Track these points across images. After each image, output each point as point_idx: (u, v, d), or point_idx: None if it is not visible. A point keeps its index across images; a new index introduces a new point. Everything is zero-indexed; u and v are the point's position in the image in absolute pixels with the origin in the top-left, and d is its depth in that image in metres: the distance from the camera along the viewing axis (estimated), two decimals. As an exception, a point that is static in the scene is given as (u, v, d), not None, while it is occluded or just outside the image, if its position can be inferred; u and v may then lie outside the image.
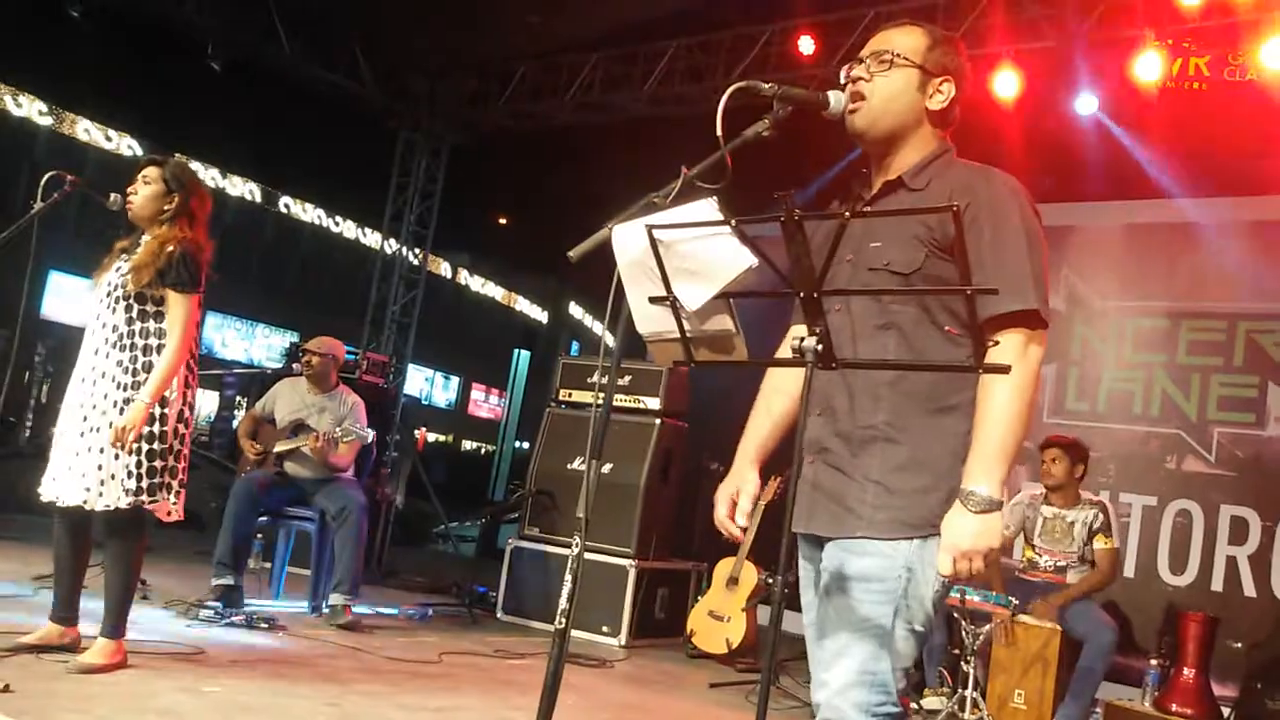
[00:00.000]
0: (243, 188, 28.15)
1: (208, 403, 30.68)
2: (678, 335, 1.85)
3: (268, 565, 6.33)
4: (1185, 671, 5.08)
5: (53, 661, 3.78)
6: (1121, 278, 6.97)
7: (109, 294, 3.87)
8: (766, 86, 2.21)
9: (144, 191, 3.95)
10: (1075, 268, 7.18)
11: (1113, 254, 7.04)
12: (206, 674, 4.02)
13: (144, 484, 3.77)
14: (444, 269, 31.72)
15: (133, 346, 3.83)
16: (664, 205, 2.15)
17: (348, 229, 30.53)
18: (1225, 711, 5.78)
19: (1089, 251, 7.15)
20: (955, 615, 5.13)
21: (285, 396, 5.95)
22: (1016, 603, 5.19)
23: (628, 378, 6.37)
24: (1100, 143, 6.96)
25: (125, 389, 3.79)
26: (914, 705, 5.43)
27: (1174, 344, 6.75)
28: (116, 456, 3.74)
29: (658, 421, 6.33)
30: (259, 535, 6.27)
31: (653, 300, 1.84)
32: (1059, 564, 5.51)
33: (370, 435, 5.72)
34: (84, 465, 3.75)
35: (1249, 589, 6.27)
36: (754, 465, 2.30)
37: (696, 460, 6.93)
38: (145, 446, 3.77)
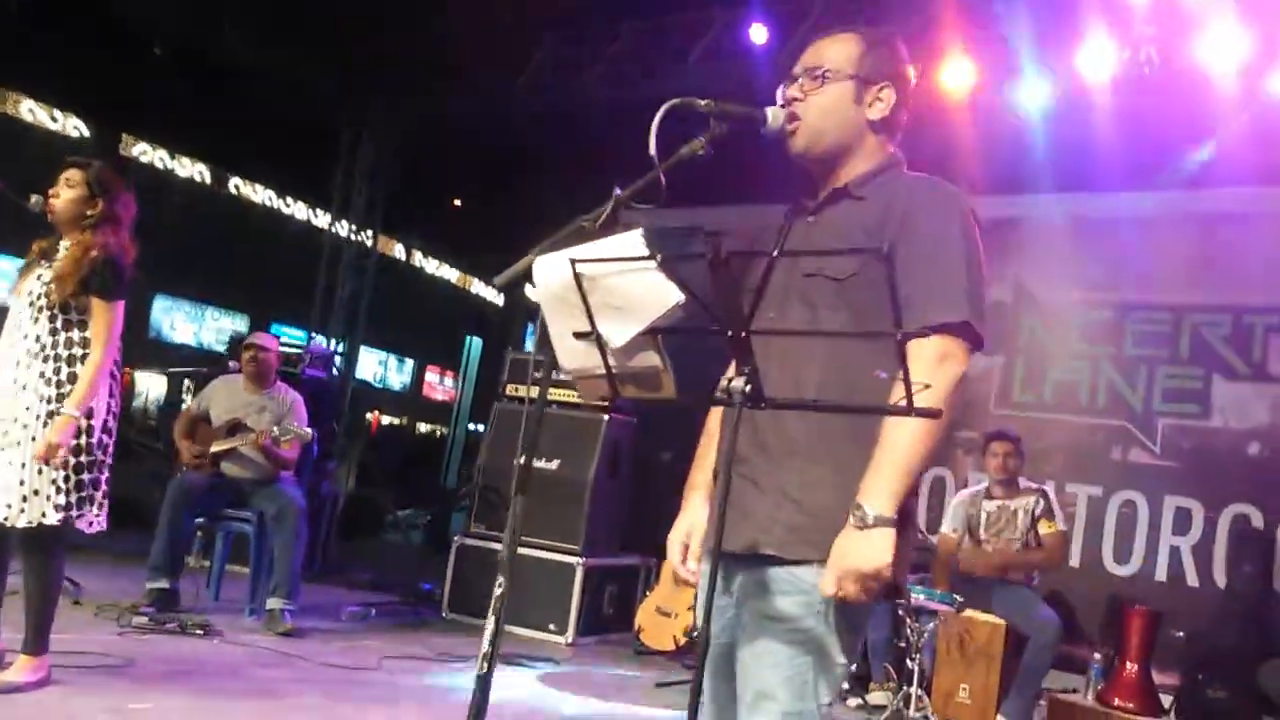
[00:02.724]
0: (191, 169, 27.69)
1: (155, 387, 30.33)
2: (603, 371, 1.77)
3: (207, 564, 6.21)
4: (1128, 665, 5.12)
5: (-29, 680, 3.66)
6: (1068, 270, 6.95)
7: (31, 303, 3.74)
8: (702, 103, 2.13)
9: (66, 195, 3.81)
10: (1022, 260, 7.16)
11: (1060, 246, 7.02)
12: (135, 690, 3.92)
13: (72, 498, 3.66)
14: (397, 251, 31.43)
15: (55, 358, 3.70)
16: (594, 231, 2.08)
17: (299, 210, 30.16)
18: (1166, 702, 5.85)
19: (1036, 244, 7.14)
20: (900, 612, 5.12)
21: (221, 395, 5.82)
22: (961, 600, 5.19)
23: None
24: (1047, 135, 6.94)
25: (49, 401, 3.66)
26: (860, 700, 5.43)
27: (1120, 336, 6.76)
28: (40, 471, 3.61)
29: (605, 417, 6.26)
30: (199, 534, 6.15)
31: (577, 335, 1.76)
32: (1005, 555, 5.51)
33: (310, 434, 5.60)
34: (5, 480, 3.61)
35: (1191, 579, 6.31)
36: (704, 501, 2.19)
37: (646, 454, 6.86)
38: (72, 460, 3.65)
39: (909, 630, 5.01)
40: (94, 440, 3.72)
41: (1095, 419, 6.79)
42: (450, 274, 33.22)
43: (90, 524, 3.76)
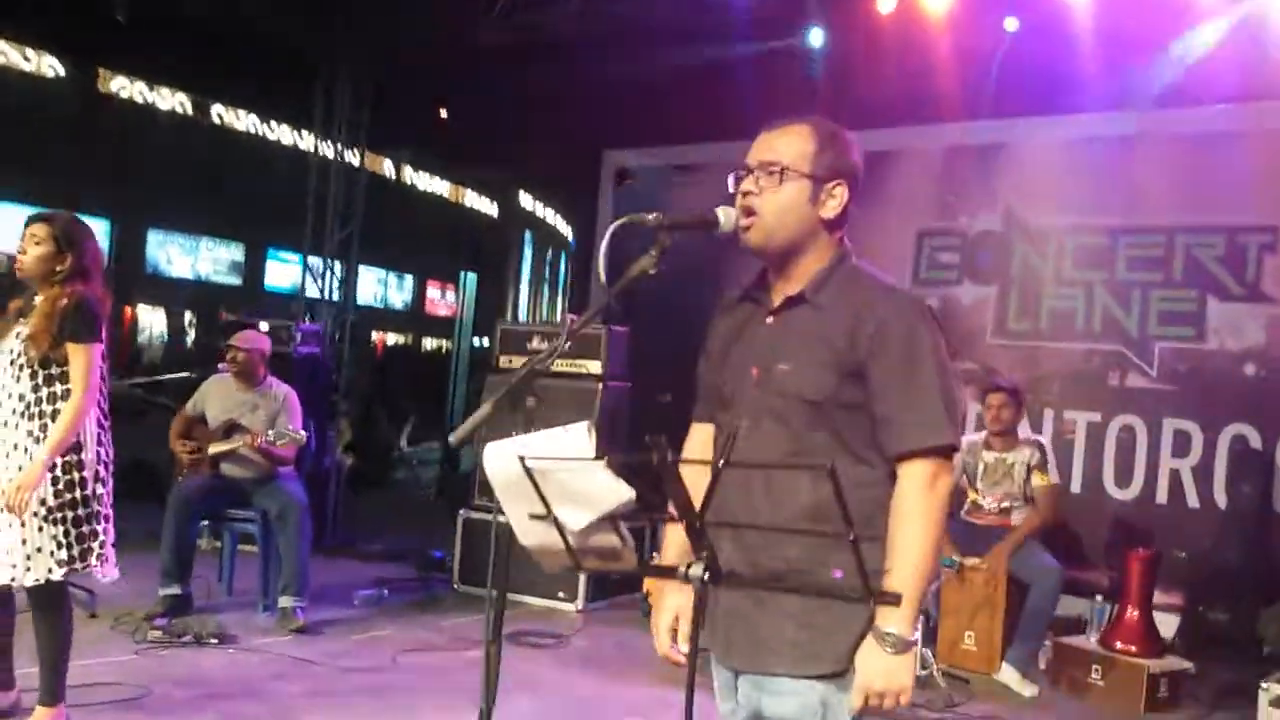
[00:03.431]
0: (172, 100, 27.19)
1: (157, 323, 30.34)
2: (562, 548, 1.76)
3: (219, 544, 6.28)
4: (1129, 610, 5.19)
5: (-6, 733, 3.76)
6: (1058, 195, 6.86)
7: (12, 362, 3.71)
8: (650, 218, 2.12)
9: (34, 251, 3.74)
10: (1011, 187, 7.07)
11: (1048, 171, 6.92)
12: (153, 726, 4.00)
13: (74, 551, 3.68)
14: (386, 168, 31.08)
15: (40, 414, 3.69)
16: (549, 364, 2.07)
17: (284, 135, 29.73)
18: (1171, 623, 5.97)
19: (1024, 169, 7.03)
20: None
21: (215, 395, 5.81)
22: (959, 560, 5.27)
23: (567, 344, 6.26)
24: (1033, 57, 6.76)
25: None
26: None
27: (1113, 260, 6.70)
28: (40, 529, 3.64)
29: (600, 385, 6.26)
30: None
31: (533, 517, 1.75)
32: (1003, 505, 5.57)
33: (303, 436, 5.61)
34: (7, 541, 3.63)
35: (1192, 500, 6.37)
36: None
37: (643, 408, 6.87)
38: (70, 514, 3.66)
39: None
40: (89, 492, 3.72)
41: (1091, 345, 6.78)
42: (442, 187, 32.88)
43: (102, 575, 3.80)
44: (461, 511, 6.52)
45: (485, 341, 28.61)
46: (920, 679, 5.02)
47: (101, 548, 3.76)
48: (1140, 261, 6.61)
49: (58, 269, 3.76)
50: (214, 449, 5.64)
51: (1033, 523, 5.44)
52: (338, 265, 10.08)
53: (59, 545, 3.64)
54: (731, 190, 2.16)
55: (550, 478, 1.68)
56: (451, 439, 1.94)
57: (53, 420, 3.68)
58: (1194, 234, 6.42)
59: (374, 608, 6.06)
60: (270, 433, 5.50)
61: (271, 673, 4.79)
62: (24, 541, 3.62)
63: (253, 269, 31.21)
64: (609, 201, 8.97)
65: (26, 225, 3.80)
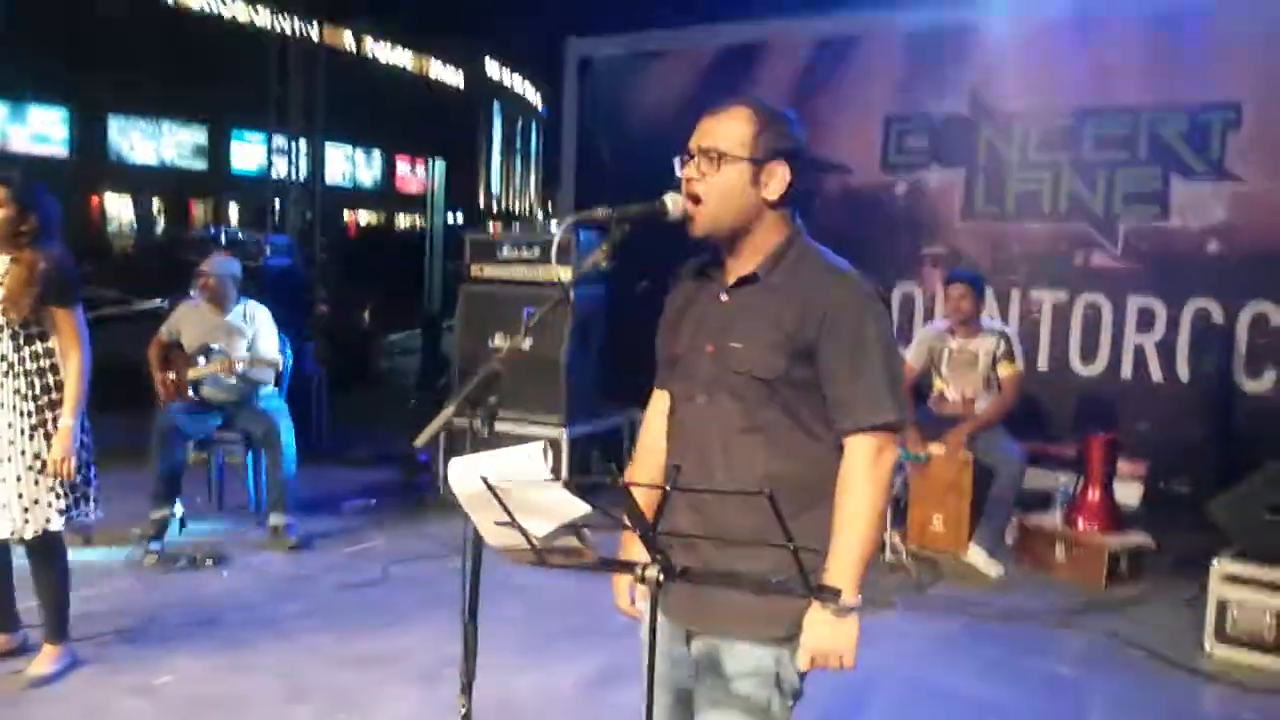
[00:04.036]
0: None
1: (124, 211, 29.91)
2: (527, 547, 1.87)
3: (205, 455, 6.37)
4: (1090, 491, 5.40)
5: (4, 674, 3.92)
6: (1023, 78, 6.83)
7: None
8: (600, 212, 2.16)
9: None
10: (975, 69, 7.01)
11: (1014, 53, 6.86)
12: (156, 656, 4.17)
13: (69, 500, 3.83)
14: (347, 41, 30.29)
15: (26, 373, 3.78)
16: (507, 362, 2.13)
17: (239, 11, 28.87)
18: (1135, 492, 6.20)
19: (988, 52, 6.96)
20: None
21: (189, 320, 5.84)
22: (926, 454, 5.45)
23: (536, 249, 6.32)
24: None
25: (29, 415, 3.78)
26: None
27: (1079, 141, 6.71)
28: (37, 482, 3.76)
29: (572, 293, 6.30)
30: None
31: (498, 524, 1.85)
32: (967, 395, 5.72)
33: (279, 360, 5.67)
34: (3, 496, 3.74)
35: (1156, 374, 6.53)
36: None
37: (616, 320, 6.92)
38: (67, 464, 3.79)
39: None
40: (79, 443, 3.83)
41: (1057, 225, 6.84)
42: (404, 58, 32.14)
43: (88, 515, 3.94)
44: (490, 399, 6.62)
45: (460, 218, 28.35)
46: (890, 564, 5.28)
47: (85, 495, 3.89)
48: (1105, 141, 6.62)
49: (22, 229, 3.78)
50: (192, 374, 5.70)
51: (995, 407, 5.61)
52: (303, 143, 10.04)
53: (57, 496, 3.79)
54: (678, 174, 2.20)
55: (511, 494, 1.77)
56: (416, 443, 2.03)
57: (38, 377, 3.78)
58: (1158, 111, 6.43)
59: (363, 517, 6.23)
60: (243, 362, 5.55)
61: (268, 592, 4.98)
62: (20, 495, 3.74)
63: (217, 152, 30.68)
64: (574, 93, 8.85)
65: None
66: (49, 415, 3.77)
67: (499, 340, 6.47)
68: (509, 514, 1.80)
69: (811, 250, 2.21)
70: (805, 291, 2.13)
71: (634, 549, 2.24)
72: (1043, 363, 6.87)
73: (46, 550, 3.89)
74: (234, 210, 28.65)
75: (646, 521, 1.79)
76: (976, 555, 5.50)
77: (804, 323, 2.11)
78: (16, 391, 3.76)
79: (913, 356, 5.87)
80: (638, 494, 1.87)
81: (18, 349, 3.76)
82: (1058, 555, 5.43)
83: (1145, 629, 4.72)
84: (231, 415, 5.79)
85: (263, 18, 26.43)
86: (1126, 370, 6.64)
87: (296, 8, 10.28)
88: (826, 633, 2.06)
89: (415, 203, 31.60)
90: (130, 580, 5.03)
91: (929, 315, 7.10)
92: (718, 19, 8.33)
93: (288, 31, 10.51)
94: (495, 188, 30.48)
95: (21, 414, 3.75)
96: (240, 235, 7.78)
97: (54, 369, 3.82)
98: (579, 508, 1.77)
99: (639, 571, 1.83)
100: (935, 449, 5.60)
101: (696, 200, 2.14)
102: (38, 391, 3.78)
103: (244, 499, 6.02)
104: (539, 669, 4.13)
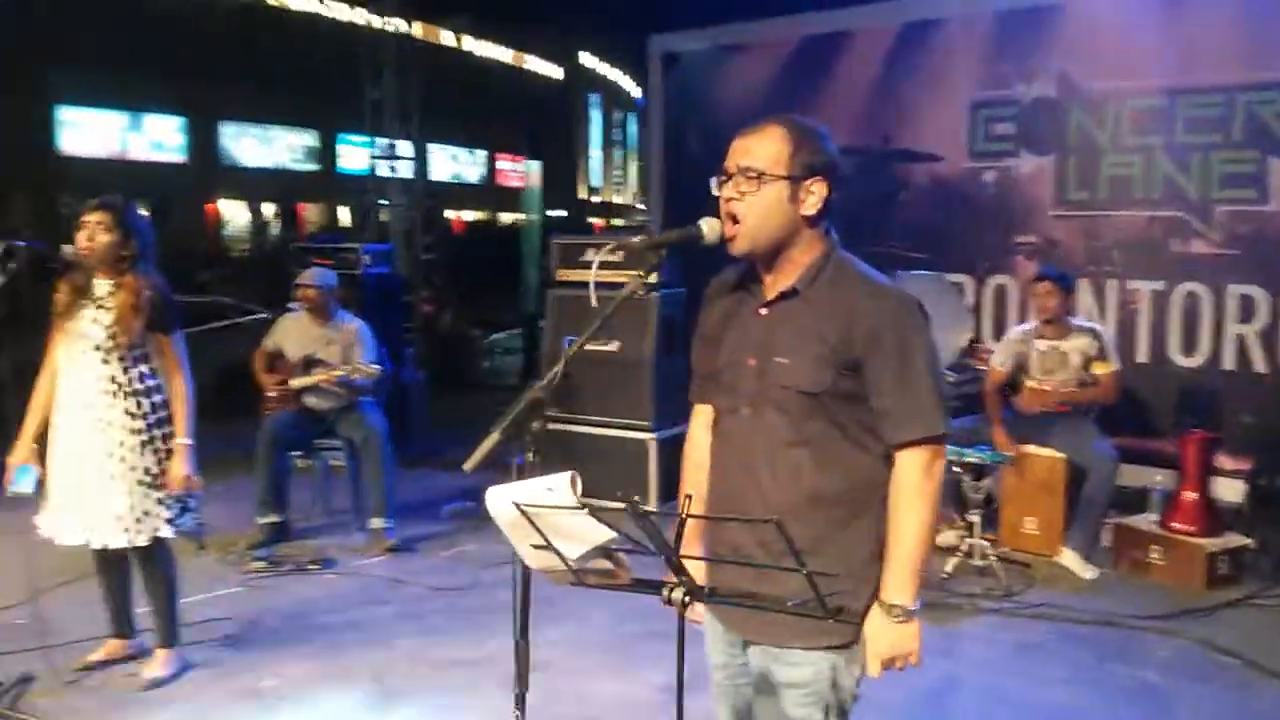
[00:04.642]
0: (229, -12, 27.07)
1: (239, 214, 30.80)
2: (564, 569, 1.96)
3: (312, 461, 6.61)
4: (1186, 491, 5.27)
5: (122, 676, 4.18)
6: (1113, 57, 6.66)
7: (97, 347, 3.98)
8: (636, 240, 2.24)
9: (102, 240, 3.98)
10: (1064, 51, 6.87)
11: (1103, 32, 6.71)
12: (261, 660, 4.40)
13: (175, 510, 4.06)
14: (447, 39, 30.81)
15: (134, 393, 4.01)
16: (551, 388, 2.23)
17: (342, 12, 29.49)
18: (1237, 489, 6.02)
19: (1078, 32, 6.81)
20: (956, 470, 5.34)
21: (291, 332, 6.10)
22: (1013, 454, 5.39)
23: (620, 254, 6.40)
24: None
25: (139, 433, 4.00)
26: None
27: (1172, 123, 6.52)
28: (146, 495, 4.00)
29: (655, 294, 6.40)
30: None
31: (535, 547, 1.95)
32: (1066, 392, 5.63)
33: (376, 371, 5.86)
34: (118, 508, 3.98)
35: (1259, 365, 6.32)
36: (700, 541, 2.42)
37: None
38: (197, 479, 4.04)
39: (966, 488, 5.24)
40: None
41: (1152, 211, 6.66)
42: (504, 54, 32.56)
43: (189, 525, 4.17)
44: (534, 424, 6.76)
45: (564, 213, 28.63)
46: (980, 568, 5.24)
47: (193, 503, 4.13)
48: (1199, 122, 6.43)
49: (124, 254, 4.01)
50: (296, 384, 5.95)
51: (1093, 393, 5.51)
52: (406, 143, 10.38)
53: (165, 507, 4.03)
54: (714, 192, 2.25)
55: (543, 519, 1.87)
56: (465, 467, 2.14)
57: (144, 397, 4.02)
58: (1254, 90, 6.22)
59: (460, 520, 6.41)
60: (344, 368, 5.78)
61: (367, 597, 5.19)
62: (132, 507, 3.98)
63: (327, 154, 31.45)
64: (659, 88, 8.91)
65: (89, 212, 4.02)
66: (156, 433, 4.01)
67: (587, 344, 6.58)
68: (544, 537, 1.90)
69: (848, 263, 2.25)
70: (848, 305, 2.17)
71: (690, 547, 2.33)
72: (1141, 355, 6.71)
73: (155, 559, 4.14)
74: (342, 213, 29.39)
75: (669, 545, 1.87)
76: (1070, 558, 5.42)
77: (848, 337, 2.15)
78: (126, 411, 3.99)
79: (998, 360, 5.80)
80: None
81: (125, 370, 4.00)
82: (1154, 558, 5.32)
83: (1242, 635, 4.60)
84: (333, 423, 6.03)
85: (364, 19, 27.16)
86: (1228, 361, 6.44)
87: (396, 8, 10.61)
88: (892, 639, 2.15)
89: (518, 197, 32.02)
90: (239, 586, 5.29)
91: (1023, 309, 6.98)
92: (802, 9, 8.33)
93: (389, 30, 10.90)
94: (596, 181, 30.65)
95: (131, 432, 3.99)
96: (339, 245, 8.00)
97: (159, 389, 4.05)
98: (605, 533, 1.86)
99: (665, 594, 1.91)
100: (1029, 450, 5.54)
101: (736, 220, 2.20)
102: (146, 410, 4.01)
103: (348, 504, 6.26)
104: (619, 675, 4.23)
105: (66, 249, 4.03)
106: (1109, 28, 6.71)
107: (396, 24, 11.28)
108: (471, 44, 32.11)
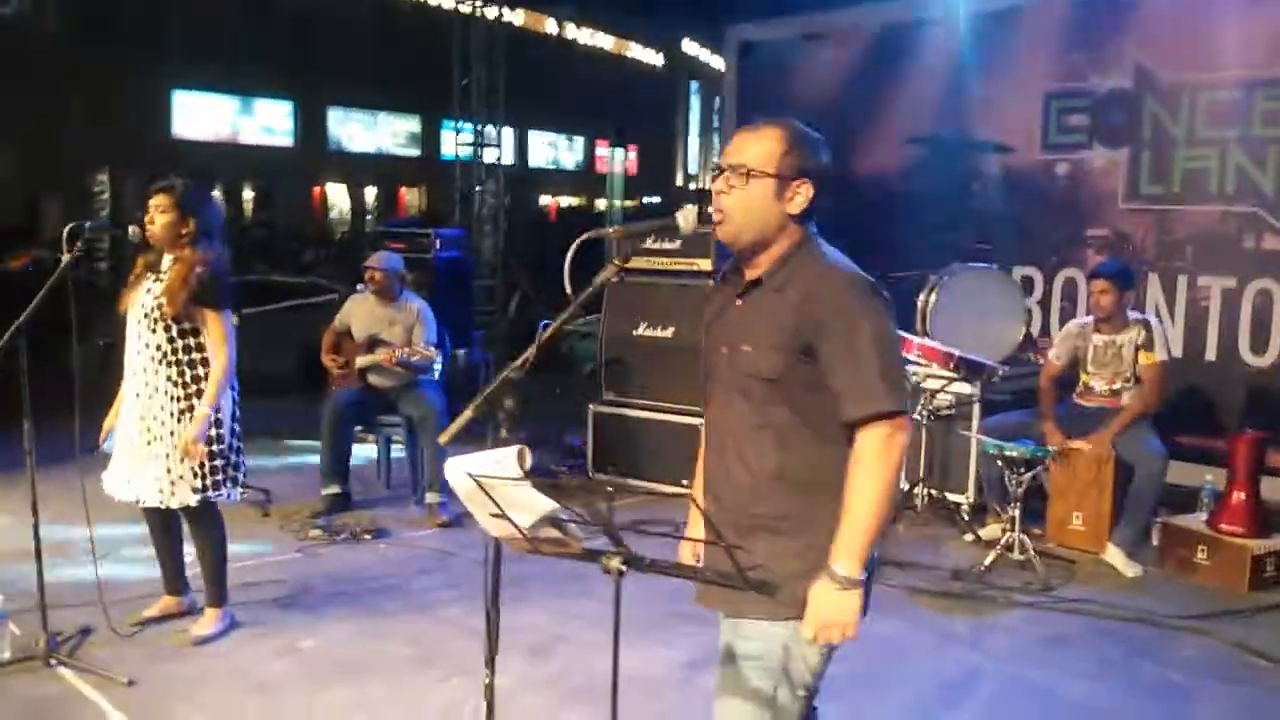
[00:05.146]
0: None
1: (341, 199, 31.55)
2: (520, 537, 2.07)
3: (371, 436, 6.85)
4: (1235, 492, 5.16)
5: (174, 631, 4.42)
6: (1189, 48, 6.53)
7: (146, 315, 4.23)
8: (611, 230, 2.35)
9: (161, 220, 4.21)
10: (1139, 42, 6.76)
11: (1179, 23, 6.57)
12: (304, 622, 4.61)
13: (208, 481, 4.25)
14: (550, 27, 31.12)
15: (178, 363, 4.22)
16: (522, 371, 2.34)
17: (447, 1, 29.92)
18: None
19: (1153, 23, 6.70)
20: (999, 464, 5.31)
21: (358, 312, 6.33)
22: (1055, 449, 5.34)
23: (678, 241, 6.50)
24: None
25: (179, 400, 4.21)
26: (974, 535, 5.71)
27: (1248, 116, 6.37)
28: (182, 460, 4.21)
29: (711, 281, 6.46)
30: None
31: (492, 515, 2.07)
32: (1113, 387, 5.56)
33: (433, 352, 6.04)
34: (155, 470, 4.21)
35: (1333, 365, 6.16)
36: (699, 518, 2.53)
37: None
38: (205, 449, 4.22)
39: (1010, 482, 5.21)
40: (224, 431, 4.28)
41: (1225, 206, 6.52)
42: (605, 41, 32.76)
43: (228, 498, 4.37)
44: (590, 405, 6.92)
45: (658, 199, 28.72)
46: (1019, 562, 5.21)
47: (229, 478, 4.32)
48: (1277, 116, 6.27)
49: (183, 233, 4.23)
50: (359, 362, 6.18)
51: (1135, 409, 5.42)
52: (502, 129, 10.61)
53: (195, 475, 4.22)
54: (709, 186, 2.36)
55: (496, 489, 1.99)
56: (439, 440, 2.26)
57: (189, 368, 4.22)
58: (1335, 85, 6.04)
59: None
60: (404, 350, 5.99)
61: (416, 567, 5.37)
62: (168, 470, 4.21)
63: (429, 139, 31.99)
64: (733, 78, 8.96)
65: (150, 196, 4.26)
66: (196, 403, 4.21)
67: (644, 330, 6.70)
68: (498, 507, 2.02)
69: (816, 253, 2.32)
70: (803, 291, 2.25)
71: (695, 529, 2.50)
72: (1211, 352, 6.58)
73: (201, 522, 4.36)
74: (437, 196, 29.96)
75: (604, 516, 1.97)
76: (1115, 555, 5.36)
77: (800, 322, 2.23)
78: (169, 379, 4.21)
79: (1055, 354, 5.74)
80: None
81: (171, 340, 4.20)
82: (1200, 558, 5.22)
83: (1279, 638, 4.51)
84: (395, 400, 6.24)
85: (468, 6, 27.60)
86: (1299, 362, 6.29)
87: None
88: (830, 605, 2.19)
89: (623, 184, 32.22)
90: (294, 552, 5.52)
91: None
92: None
93: (482, 17, 11.17)
94: (693, 167, 30.69)
95: (173, 398, 4.20)
96: (413, 230, 8.24)
97: (204, 362, 4.23)
98: (549, 504, 1.97)
99: (603, 562, 2.01)
100: (1077, 445, 5.48)
101: (721, 210, 2.29)
102: (187, 380, 4.21)
103: (408, 479, 6.47)
104: (634, 652, 4.31)
105: (133, 230, 4.27)
106: (1185, 19, 6.60)
107: (490, 12, 11.53)
108: (574, 32, 32.35)
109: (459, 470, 2.05)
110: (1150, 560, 5.41)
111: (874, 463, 2.19)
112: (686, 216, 2.34)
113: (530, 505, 2.02)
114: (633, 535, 2.03)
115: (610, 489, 1.97)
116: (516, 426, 2.27)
